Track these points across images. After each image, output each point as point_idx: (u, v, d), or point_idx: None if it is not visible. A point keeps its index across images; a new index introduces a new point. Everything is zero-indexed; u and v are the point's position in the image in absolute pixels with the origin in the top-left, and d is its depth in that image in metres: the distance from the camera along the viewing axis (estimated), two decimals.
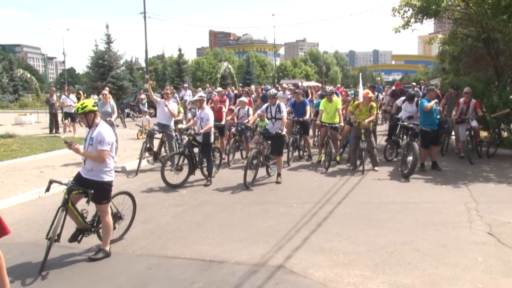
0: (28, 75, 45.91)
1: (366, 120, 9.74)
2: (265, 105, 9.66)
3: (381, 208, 7.08)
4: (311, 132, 12.98)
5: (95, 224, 5.46)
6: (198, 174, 9.21)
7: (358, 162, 10.06)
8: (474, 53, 14.86)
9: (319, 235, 5.83)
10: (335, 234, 5.86)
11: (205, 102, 9.34)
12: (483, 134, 12.75)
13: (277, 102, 9.36)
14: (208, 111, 9.16)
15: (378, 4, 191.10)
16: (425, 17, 12.65)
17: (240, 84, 52.78)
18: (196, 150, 9.13)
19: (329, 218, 6.58)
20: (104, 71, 37.83)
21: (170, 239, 5.84)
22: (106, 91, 12.42)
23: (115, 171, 5.73)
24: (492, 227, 5.97)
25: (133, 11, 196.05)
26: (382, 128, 16.34)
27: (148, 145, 10.43)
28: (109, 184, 5.31)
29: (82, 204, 5.27)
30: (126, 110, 24.62)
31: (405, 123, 10.21)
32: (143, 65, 46.95)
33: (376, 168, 10.00)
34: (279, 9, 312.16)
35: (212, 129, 9.25)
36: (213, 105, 11.81)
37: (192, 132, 9.30)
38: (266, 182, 9.14)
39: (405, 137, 11.52)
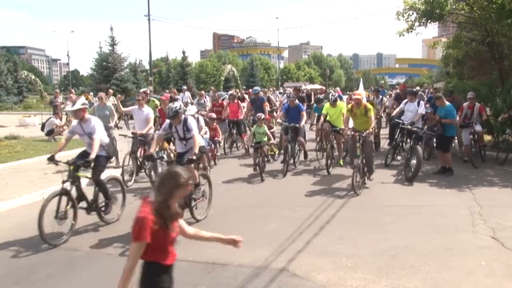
0: (33, 77, 46.03)
1: (367, 131, 8.39)
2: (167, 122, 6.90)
3: (384, 211, 7.07)
4: (313, 136, 12.94)
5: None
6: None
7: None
8: (478, 57, 14.84)
9: (322, 238, 5.84)
10: (338, 238, 5.86)
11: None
12: (487, 138, 12.70)
13: (183, 118, 6.73)
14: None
15: (382, 7, 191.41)
16: (429, 21, 12.64)
17: (244, 87, 52.88)
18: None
19: (332, 221, 6.58)
20: (108, 73, 37.88)
21: None
22: (102, 94, 11.46)
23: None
24: (495, 231, 5.95)
25: (137, 13, 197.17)
26: (386, 132, 16.29)
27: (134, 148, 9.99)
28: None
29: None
30: None
31: (409, 127, 10.15)
32: (147, 67, 46.98)
33: (371, 177, 8.97)
34: (283, 12, 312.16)
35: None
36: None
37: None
38: (269, 185, 9.15)
39: (408, 140, 11.45)
